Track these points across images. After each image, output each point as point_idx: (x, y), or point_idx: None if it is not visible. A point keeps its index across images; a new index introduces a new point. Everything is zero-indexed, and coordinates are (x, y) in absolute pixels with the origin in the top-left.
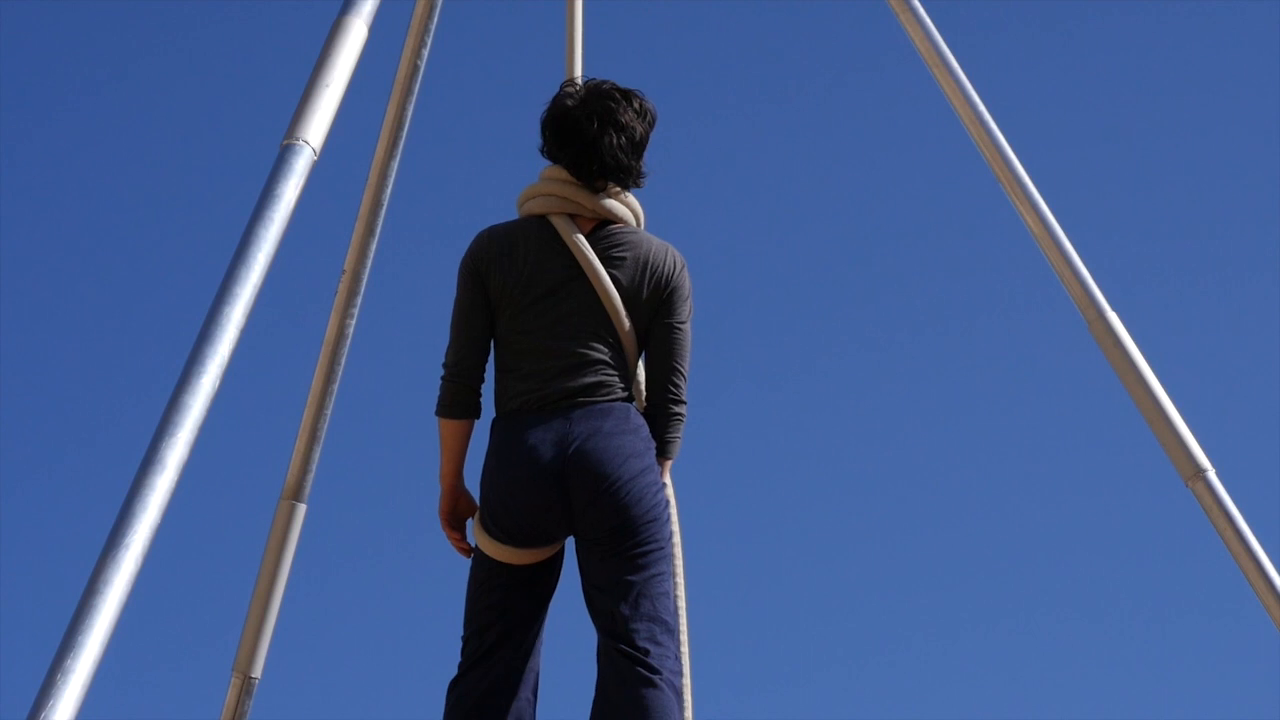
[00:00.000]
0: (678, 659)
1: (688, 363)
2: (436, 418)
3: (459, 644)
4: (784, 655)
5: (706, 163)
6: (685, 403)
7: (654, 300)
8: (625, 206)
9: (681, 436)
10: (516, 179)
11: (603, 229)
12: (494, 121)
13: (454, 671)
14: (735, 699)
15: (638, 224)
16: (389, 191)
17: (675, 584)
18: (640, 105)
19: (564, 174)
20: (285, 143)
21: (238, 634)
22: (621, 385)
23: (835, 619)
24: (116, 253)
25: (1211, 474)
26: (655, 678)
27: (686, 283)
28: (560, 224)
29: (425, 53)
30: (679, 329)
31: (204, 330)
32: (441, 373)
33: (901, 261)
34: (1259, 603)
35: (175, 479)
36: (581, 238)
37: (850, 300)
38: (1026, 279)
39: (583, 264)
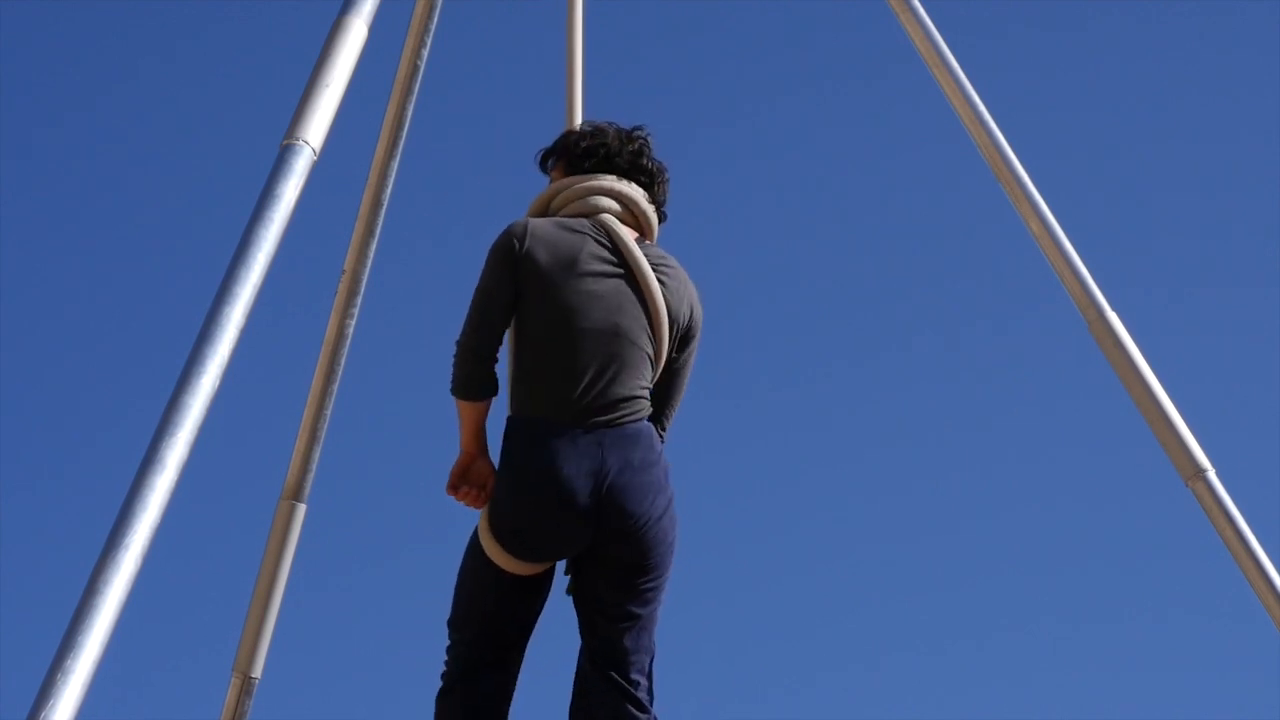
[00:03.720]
0: (652, 691)
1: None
2: (454, 397)
3: (433, 649)
4: (784, 658)
5: (705, 164)
6: (668, 430)
7: (682, 331)
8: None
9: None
10: (516, 178)
11: (645, 243)
12: (494, 121)
13: (426, 671)
14: (737, 701)
15: None
16: (389, 191)
17: None
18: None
19: (614, 177)
20: (285, 143)
21: (238, 634)
22: (648, 397)
23: (835, 621)
24: (117, 253)
25: (1211, 474)
26: (644, 716)
27: (701, 313)
28: (612, 223)
29: (425, 53)
30: (687, 366)
31: (204, 330)
32: (456, 351)
33: (901, 262)
34: (1259, 603)
35: (175, 479)
36: (634, 242)
37: (849, 301)
38: (1026, 279)
39: (633, 265)
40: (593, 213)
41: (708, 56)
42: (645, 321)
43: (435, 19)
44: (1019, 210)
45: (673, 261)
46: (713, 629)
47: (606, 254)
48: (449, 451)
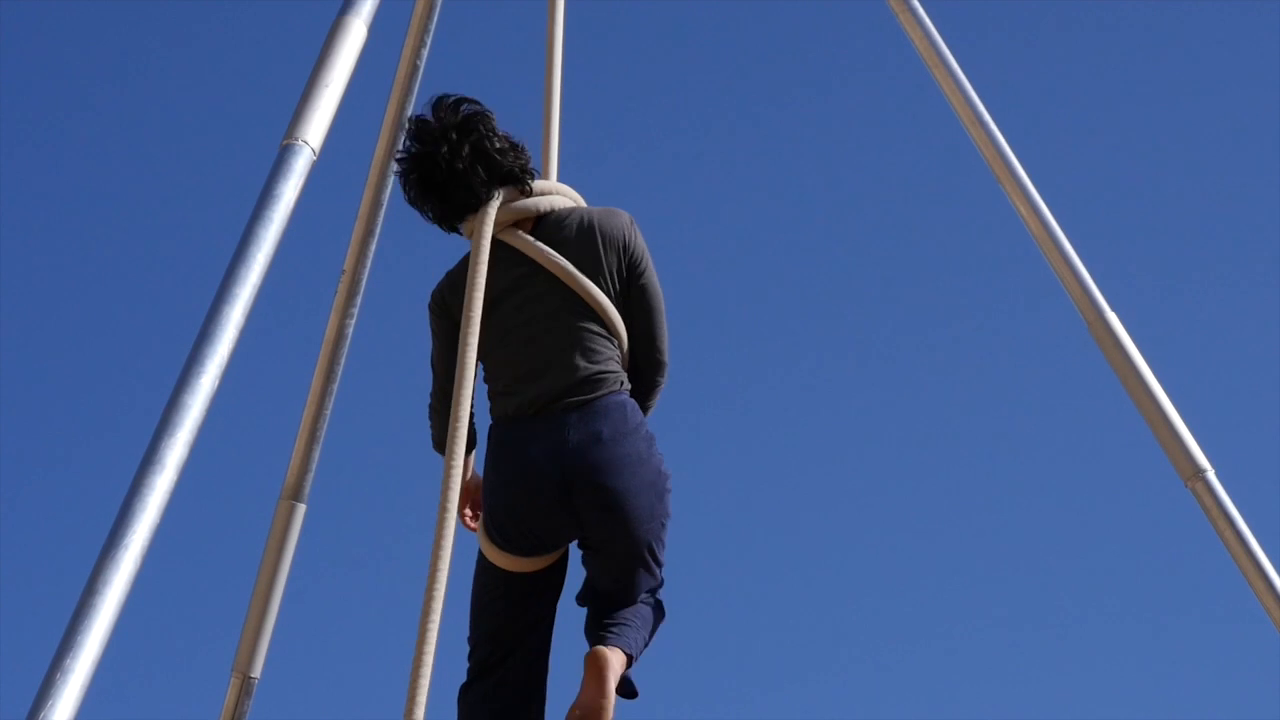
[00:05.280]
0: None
1: (664, 321)
2: (438, 453)
3: (459, 642)
4: (782, 657)
5: (705, 163)
6: (667, 364)
7: (617, 263)
8: (558, 194)
9: (658, 399)
10: None
11: (541, 221)
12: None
13: (455, 672)
14: (735, 701)
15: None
16: (389, 191)
17: None
18: (460, 111)
19: (476, 216)
20: (285, 143)
21: (238, 634)
22: (614, 371)
23: (833, 620)
24: (117, 253)
25: (1211, 474)
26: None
27: (639, 237)
28: (505, 234)
29: (425, 53)
30: (649, 286)
31: (204, 330)
32: (428, 410)
33: (901, 262)
34: (1259, 603)
35: (175, 479)
36: (526, 235)
37: (849, 301)
38: (1026, 279)
39: (535, 256)
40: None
41: (707, 56)
42: (574, 298)
43: (435, 19)
44: (1019, 210)
45: (572, 214)
46: (712, 629)
47: (508, 261)
48: None
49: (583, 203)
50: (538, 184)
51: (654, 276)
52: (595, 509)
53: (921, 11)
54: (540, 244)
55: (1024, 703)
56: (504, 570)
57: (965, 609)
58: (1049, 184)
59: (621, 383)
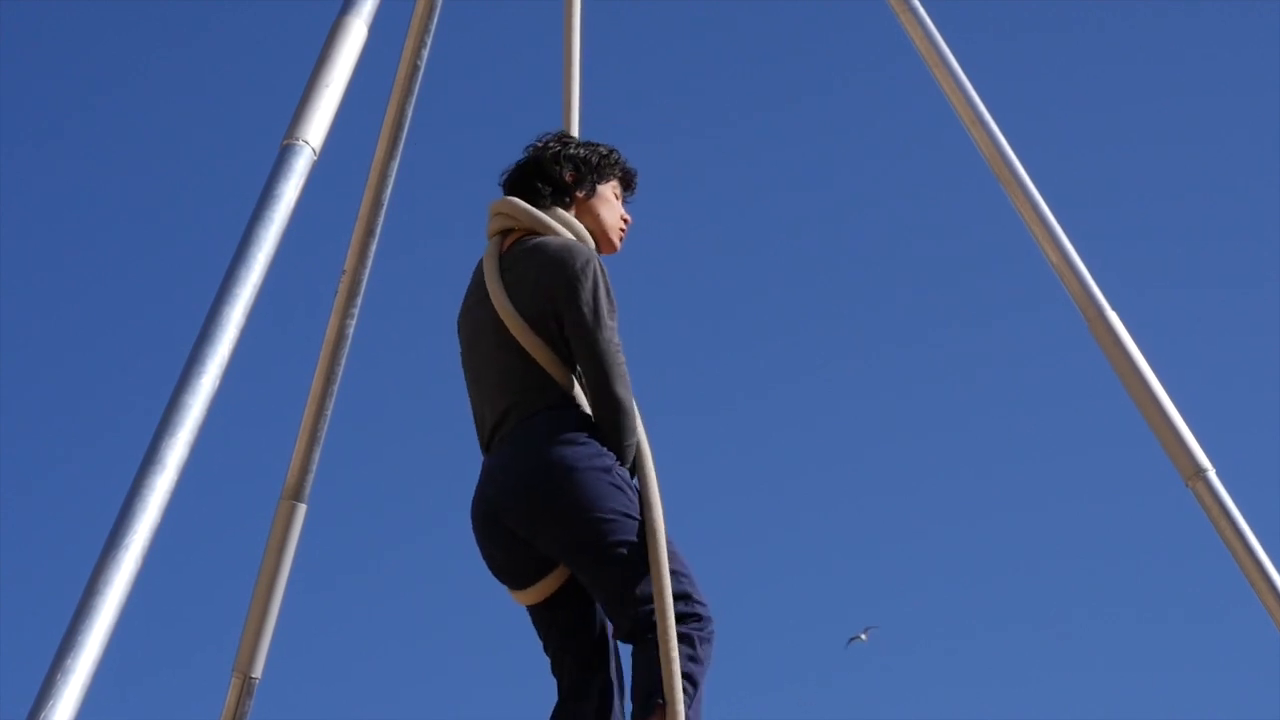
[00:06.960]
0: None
1: (607, 367)
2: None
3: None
4: (781, 657)
5: (705, 163)
6: (618, 408)
7: (549, 303)
8: (558, 221)
9: (631, 444)
10: None
11: (518, 243)
12: (494, 121)
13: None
14: (735, 699)
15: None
16: (389, 191)
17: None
18: (551, 140)
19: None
20: (285, 143)
21: (238, 634)
22: (538, 399)
23: (831, 619)
24: (117, 253)
25: (1211, 474)
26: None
27: (582, 281)
28: (490, 245)
29: (425, 53)
30: (577, 337)
31: (204, 330)
32: None
33: (901, 261)
34: (1259, 603)
35: (175, 479)
36: (493, 255)
37: (850, 300)
38: (1027, 279)
39: (487, 278)
40: (489, 233)
41: (708, 57)
42: (504, 327)
43: (435, 19)
44: (1019, 210)
45: (536, 244)
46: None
47: (477, 281)
48: (448, 452)
49: (581, 230)
50: (553, 211)
51: (590, 319)
52: (524, 522)
53: (922, 11)
54: (494, 268)
55: (1024, 703)
56: (524, 606)
57: (965, 609)
58: (1049, 183)
59: (551, 403)
